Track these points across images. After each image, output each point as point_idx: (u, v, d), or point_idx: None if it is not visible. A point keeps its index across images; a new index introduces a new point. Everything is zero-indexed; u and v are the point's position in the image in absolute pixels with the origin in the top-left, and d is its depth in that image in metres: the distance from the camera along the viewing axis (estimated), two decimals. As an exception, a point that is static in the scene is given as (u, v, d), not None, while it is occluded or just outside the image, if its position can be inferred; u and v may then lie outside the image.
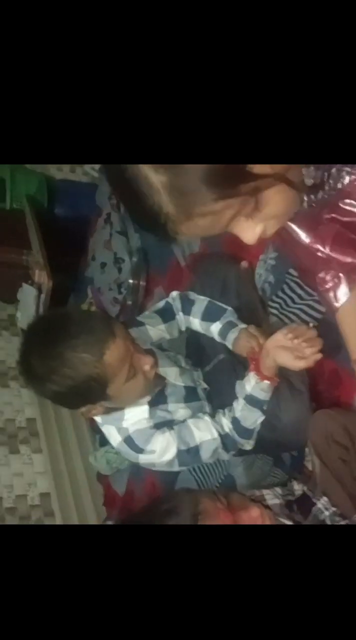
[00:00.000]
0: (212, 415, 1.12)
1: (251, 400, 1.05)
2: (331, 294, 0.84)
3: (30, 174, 2.70)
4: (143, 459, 1.05)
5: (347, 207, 0.75)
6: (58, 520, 1.84)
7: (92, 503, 1.89)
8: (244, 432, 1.09)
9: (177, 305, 1.19)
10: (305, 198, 0.73)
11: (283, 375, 1.14)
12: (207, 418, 1.11)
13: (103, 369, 0.92)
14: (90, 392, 0.95)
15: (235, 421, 1.09)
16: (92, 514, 1.87)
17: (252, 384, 1.03)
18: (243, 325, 1.13)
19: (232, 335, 1.13)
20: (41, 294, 2.24)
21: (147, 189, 0.49)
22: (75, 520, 1.83)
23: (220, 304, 1.18)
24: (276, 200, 0.53)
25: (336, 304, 0.84)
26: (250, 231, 0.55)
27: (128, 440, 1.04)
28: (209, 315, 1.17)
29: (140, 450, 1.04)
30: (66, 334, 0.92)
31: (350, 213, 0.75)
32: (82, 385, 0.92)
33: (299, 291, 1.20)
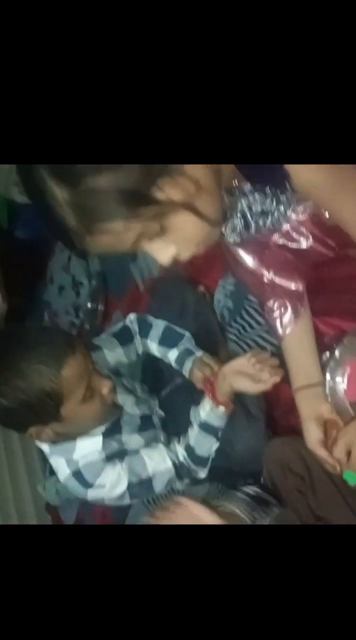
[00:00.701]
0: (166, 444, 1.08)
1: (205, 427, 1.01)
2: (277, 323, 0.84)
3: (-9, 195, 2.64)
4: (92, 494, 0.99)
5: (296, 235, 0.76)
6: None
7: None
8: (198, 460, 1.05)
9: (135, 327, 1.16)
10: (252, 224, 0.74)
11: (239, 401, 1.12)
12: (160, 446, 1.07)
13: (60, 384, 0.86)
14: (43, 409, 0.88)
15: (189, 449, 1.05)
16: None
17: (206, 410, 1.00)
18: (200, 353, 1.10)
19: (188, 364, 1.11)
20: (-5, 316, 2.16)
21: (52, 202, 0.52)
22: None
23: (177, 328, 1.16)
24: (182, 227, 0.55)
25: (282, 333, 0.84)
26: (162, 252, 0.58)
27: (77, 475, 0.98)
28: (167, 340, 1.14)
29: (88, 485, 0.98)
30: (23, 345, 0.87)
31: (299, 241, 0.76)
32: (34, 400, 0.86)
33: (258, 317, 1.20)
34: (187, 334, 1.15)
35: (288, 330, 0.84)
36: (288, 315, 0.84)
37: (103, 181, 0.50)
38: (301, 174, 0.58)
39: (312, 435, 0.80)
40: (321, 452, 0.78)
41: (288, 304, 0.84)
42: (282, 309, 0.84)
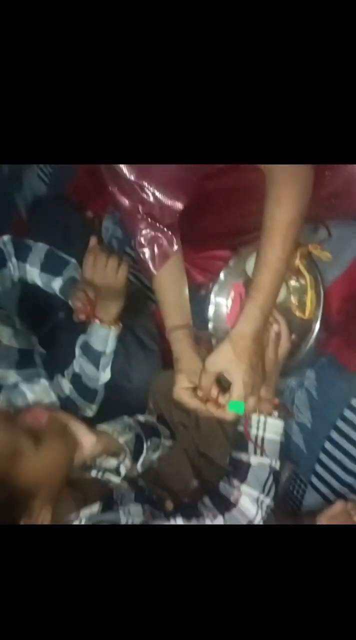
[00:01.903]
0: (50, 379, 0.98)
1: (86, 350, 0.92)
2: (148, 258, 0.77)
3: None
4: None
5: None
6: None
7: None
8: (85, 393, 0.96)
9: (9, 249, 1.00)
10: None
11: (133, 333, 1.04)
12: (43, 381, 0.96)
13: None
14: None
15: (75, 378, 0.96)
16: None
17: (88, 332, 0.91)
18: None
19: (71, 289, 0.98)
20: None
21: None
22: None
23: (62, 254, 1.03)
24: None
25: (153, 270, 0.77)
26: None
27: None
28: (50, 267, 1.01)
29: None
30: None
31: None
32: None
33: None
34: (73, 260, 1.03)
35: (160, 267, 0.76)
36: (160, 250, 0.76)
37: None
38: None
39: (178, 385, 0.74)
40: (187, 400, 0.72)
41: (161, 237, 0.76)
42: (155, 244, 0.76)
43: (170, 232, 0.74)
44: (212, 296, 0.84)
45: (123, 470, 0.78)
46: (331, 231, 0.78)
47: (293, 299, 0.76)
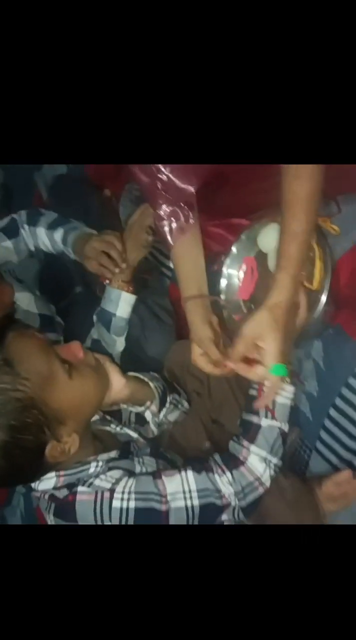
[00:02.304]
0: None
1: (100, 314, 0.97)
2: (167, 230, 0.80)
3: None
4: None
5: None
6: None
7: None
8: None
9: (23, 218, 1.06)
10: None
11: (148, 307, 1.08)
12: None
13: None
14: None
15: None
16: None
17: (103, 297, 0.96)
18: (88, 230, 1.03)
19: (72, 235, 1.02)
20: None
21: None
22: None
23: (71, 220, 1.07)
24: None
25: (172, 241, 0.80)
26: None
27: None
28: (55, 224, 1.05)
29: None
30: None
31: None
32: None
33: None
34: (80, 223, 1.06)
35: (177, 240, 0.80)
36: (178, 224, 0.79)
37: None
38: None
39: (194, 352, 0.78)
40: (202, 365, 0.76)
41: (178, 212, 0.79)
42: (172, 218, 0.79)
43: (187, 207, 0.78)
44: (224, 269, 0.88)
45: (149, 417, 0.84)
46: (341, 207, 0.80)
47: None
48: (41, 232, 1.06)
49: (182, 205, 0.78)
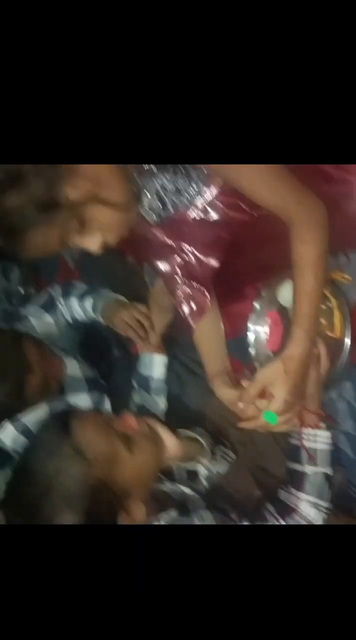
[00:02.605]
0: (117, 414, 1.11)
1: (138, 378, 1.05)
2: (187, 315, 0.88)
3: None
4: None
5: (211, 208, 0.78)
6: None
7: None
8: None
9: (57, 292, 1.16)
10: (168, 202, 0.76)
11: (181, 362, 1.15)
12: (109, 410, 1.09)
13: None
14: None
15: (139, 409, 1.08)
16: None
17: (138, 362, 1.03)
18: (113, 295, 1.11)
19: (101, 303, 1.11)
20: None
21: None
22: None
23: (100, 289, 1.16)
24: (97, 217, 0.61)
25: (192, 324, 0.88)
26: (91, 242, 0.64)
27: (26, 432, 0.99)
28: (85, 295, 1.14)
29: None
30: None
31: (216, 212, 0.79)
32: None
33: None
34: (108, 291, 1.15)
35: (197, 322, 0.88)
36: (197, 308, 0.88)
37: (13, 199, 0.55)
38: None
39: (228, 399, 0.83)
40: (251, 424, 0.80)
41: (196, 296, 0.87)
42: (192, 299, 0.88)
43: (204, 289, 0.85)
44: (250, 325, 0.95)
45: (202, 471, 0.90)
46: (350, 257, 0.86)
47: (323, 320, 0.85)
48: (74, 303, 1.16)
49: (200, 287, 0.86)
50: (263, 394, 0.72)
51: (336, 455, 0.87)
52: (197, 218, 0.79)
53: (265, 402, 0.72)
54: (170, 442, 0.82)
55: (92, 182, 0.59)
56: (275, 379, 0.70)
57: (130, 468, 0.72)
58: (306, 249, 0.70)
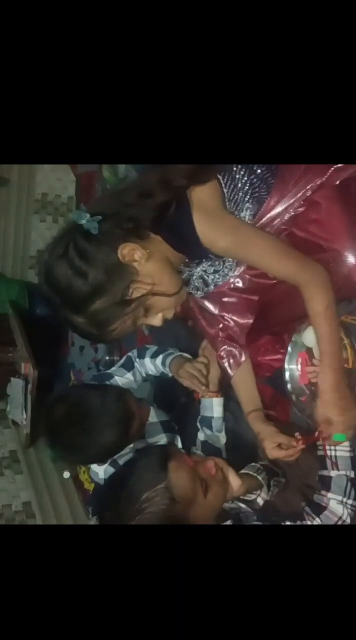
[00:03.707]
0: (187, 450, 1.35)
1: (202, 420, 1.28)
2: (227, 366, 1.15)
3: (11, 281, 3.04)
4: None
5: (241, 279, 1.06)
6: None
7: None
8: (214, 453, 1.30)
9: (134, 354, 1.46)
10: (210, 281, 1.07)
11: (235, 401, 1.38)
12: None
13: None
14: None
15: (204, 445, 1.32)
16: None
17: (200, 406, 1.28)
18: (178, 353, 1.38)
19: (169, 359, 1.38)
20: (28, 383, 2.47)
21: (75, 326, 0.85)
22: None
23: (168, 349, 1.45)
24: (157, 304, 0.87)
25: (232, 373, 1.14)
26: (155, 320, 0.90)
27: (114, 463, 1.27)
28: (156, 353, 1.44)
29: None
30: None
31: (244, 282, 1.07)
32: None
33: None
34: (175, 349, 1.43)
35: (235, 371, 1.15)
36: (234, 362, 1.16)
37: (99, 303, 0.81)
38: (212, 245, 0.90)
39: (268, 448, 1.04)
40: (278, 454, 1.01)
41: (234, 351, 1.15)
42: (231, 355, 1.15)
43: (240, 347, 1.13)
44: (286, 364, 1.17)
45: (260, 502, 1.09)
46: (358, 303, 1.09)
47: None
48: (148, 361, 1.45)
49: (237, 346, 1.13)
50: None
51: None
52: (232, 288, 1.07)
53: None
54: (234, 482, 0.97)
55: (149, 282, 0.85)
56: (325, 411, 0.91)
57: (202, 508, 0.86)
58: (316, 304, 0.91)
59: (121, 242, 0.83)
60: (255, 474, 1.11)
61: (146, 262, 0.85)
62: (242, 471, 1.10)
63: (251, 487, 1.08)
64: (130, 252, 0.84)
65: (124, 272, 0.83)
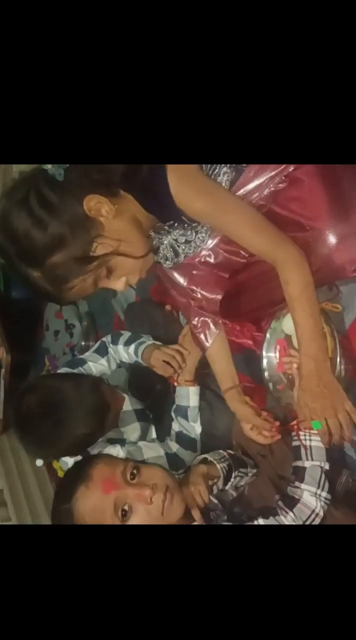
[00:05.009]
0: (161, 441, 1.30)
1: (177, 409, 1.24)
2: (202, 337, 1.09)
3: (-15, 263, 2.94)
4: None
5: (214, 253, 1.01)
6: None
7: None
8: (189, 444, 1.27)
9: (108, 340, 1.40)
10: (180, 252, 1.01)
11: (211, 390, 1.34)
12: (156, 442, 1.29)
13: None
14: None
15: (178, 435, 1.27)
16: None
17: (175, 395, 1.23)
18: (151, 341, 1.33)
19: (141, 348, 1.33)
20: (1, 368, 2.40)
21: (32, 280, 0.78)
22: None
23: (142, 335, 1.39)
24: (120, 265, 0.83)
25: (206, 344, 1.09)
26: (118, 284, 0.86)
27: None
28: (129, 341, 1.38)
29: None
30: None
31: (217, 257, 1.01)
32: None
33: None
34: (148, 337, 1.38)
35: (210, 342, 1.09)
36: (209, 331, 1.09)
37: (58, 257, 0.76)
38: (187, 206, 0.84)
39: (245, 427, 1.03)
40: (255, 437, 1.02)
41: (209, 321, 1.09)
42: (204, 325, 1.10)
43: (214, 317, 1.07)
44: (264, 352, 1.13)
45: (215, 490, 1.05)
46: (340, 288, 1.04)
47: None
48: (121, 349, 1.40)
49: (211, 315, 1.07)
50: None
51: (342, 459, 1.00)
52: (202, 261, 1.02)
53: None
54: (178, 512, 0.91)
55: (115, 240, 0.79)
56: (301, 397, 0.88)
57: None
58: (292, 288, 0.87)
59: (88, 194, 0.77)
60: (215, 462, 1.08)
61: (113, 219, 0.80)
62: (205, 455, 1.08)
63: (211, 473, 1.05)
64: (97, 205, 0.78)
65: (89, 225, 0.78)
